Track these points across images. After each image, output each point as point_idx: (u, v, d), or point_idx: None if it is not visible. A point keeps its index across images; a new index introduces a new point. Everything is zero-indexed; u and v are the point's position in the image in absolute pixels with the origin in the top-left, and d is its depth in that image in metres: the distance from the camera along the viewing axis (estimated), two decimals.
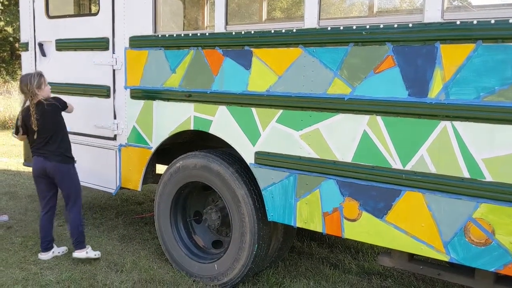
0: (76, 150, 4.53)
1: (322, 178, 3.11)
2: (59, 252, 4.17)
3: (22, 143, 5.40)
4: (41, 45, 4.81)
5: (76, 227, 4.01)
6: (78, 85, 4.50)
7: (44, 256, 4.11)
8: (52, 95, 4.04)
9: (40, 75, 3.88)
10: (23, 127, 3.90)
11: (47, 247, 4.13)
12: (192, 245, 3.99)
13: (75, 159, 4.06)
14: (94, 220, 5.26)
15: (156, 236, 4.26)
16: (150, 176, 4.24)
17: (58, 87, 4.65)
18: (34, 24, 4.87)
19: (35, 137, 3.88)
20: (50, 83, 4.74)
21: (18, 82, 3.96)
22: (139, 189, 4.18)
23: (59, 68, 4.66)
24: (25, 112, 3.87)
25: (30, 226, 4.97)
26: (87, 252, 4.00)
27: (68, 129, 4.57)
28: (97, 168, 4.48)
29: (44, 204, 4.10)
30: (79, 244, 4.01)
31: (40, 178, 4.00)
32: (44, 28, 4.78)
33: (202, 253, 3.95)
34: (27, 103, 3.91)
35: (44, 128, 3.85)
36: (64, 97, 4.35)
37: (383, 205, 2.87)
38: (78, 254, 4.00)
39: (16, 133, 4.00)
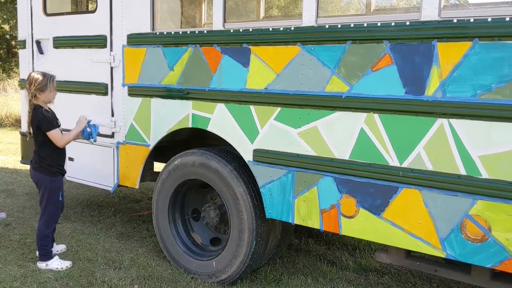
0: (74, 148, 4.54)
1: (320, 175, 3.12)
2: (57, 251, 4.16)
3: (19, 141, 5.39)
4: (38, 43, 4.80)
5: (38, 239, 3.91)
6: (75, 83, 4.50)
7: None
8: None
9: (49, 79, 3.70)
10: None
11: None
12: (190, 243, 4.00)
13: (56, 173, 3.83)
14: (92, 218, 5.26)
15: (154, 234, 4.27)
16: (148, 174, 4.25)
17: (56, 85, 4.65)
18: (32, 21, 4.86)
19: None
20: None
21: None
22: (136, 186, 4.19)
23: (56, 66, 4.65)
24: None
25: (28, 224, 4.97)
26: (47, 265, 3.87)
27: (66, 127, 4.56)
28: (95, 166, 4.48)
29: None
30: (41, 256, 3.91)
31: None
32: (42, 26, 4.78)
33: (200, 251, 3.96)
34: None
35: (33, 133, 3.79)
36: (61, 95, 4.36)
37: (380, 202, 2.89)
38: (39, 264, 3.90)
39: None
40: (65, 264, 3.91)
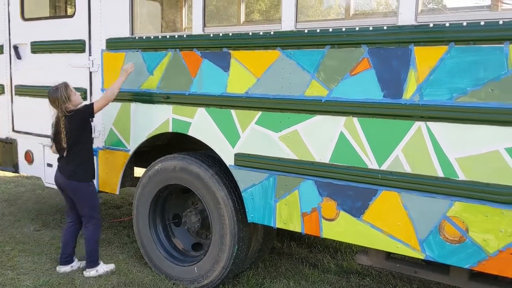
0: (52, 154, 4.48)
1: (301, 178, 3.14)
2: (78, 267, 4.01)
3: None
4: (16, 48, 4.73)
5: (89, 245, 3.86)
6: None
7: (63, 268, 3.96)
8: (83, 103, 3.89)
9: (63, 88, 3.67)
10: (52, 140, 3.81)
11: (65, 260, 3.96)
12: (171, 248, 3.97)
13: (92, 176, 3.86)
14: None
15: (135, 240, 4.23)
16: (128, 179, 4.21)
17: (34, 90, 4.59)
18: (9, 26, 4.79)
19: (56, 147, 3.81)
20: (25, 86, 4.70)
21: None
22: (117, 192, 4.14)
23: (34, 71, 4.59)
24: (56, 125, 3.75)
25: (6, 231, 4.88)
26: (97, 271, 3.85)
27: (45, 132, 4.49)
28: None
29: (69, 214, 3.99)
30: (91, 262, 3.87)
31: (59, 189, 3.92)
32: (19, 31, 4.71)
33: (182, 256, 3.94)
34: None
35: (75, 138, 3.74)
36: (39, 100, 4.31)
37: (360, 205, 2.91)
38: (87, 273, 3.86)
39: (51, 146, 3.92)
40: (110, 268, 3.93)
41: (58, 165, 3.84)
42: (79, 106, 3.75)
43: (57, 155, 3.84)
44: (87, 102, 4.05)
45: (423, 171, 2.68)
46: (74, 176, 3.75)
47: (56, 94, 3.66)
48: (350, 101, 2.87)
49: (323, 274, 4.07)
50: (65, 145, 3.69)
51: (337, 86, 2.92)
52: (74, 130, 3.68)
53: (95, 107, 3.73)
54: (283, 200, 3.23)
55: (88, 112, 3.74)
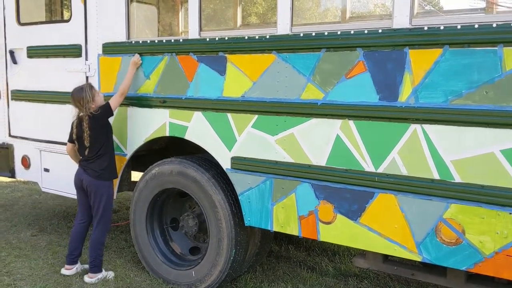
0: (50, 159, 4.48)
1: (298, 182, 3.14)
2: (83, 269, 4.00)
3: None
4: (12, 53, 4.73)
5: (95, 248, 3.84)
6: (50, 93, 4.44)
7: (68, 271, 3.95)
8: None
9: (87, 88, 3.72)
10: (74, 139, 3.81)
11: (73, 260, 3.97)
12: (169, 252, 3.96)
13: (115, 176, 3.91)
14: (69, 229, 5.17)
15: (132, 244, 4.22)
16: (125, 183, 4.21)
17: (30, 94, 4.59)
18: (5, 31, 4.78)
19: (79, 148, 3.81)
20: (21, 91, 4.70)
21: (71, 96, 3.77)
22: (114, 197, 4.13)
23: (30, 76, 4.59)
24: (78, 126, 3.76)
25: (2, 237, 4.86)
26: (98, 278, 3.83)
27: (42, 137, 4.49)
28: (71, 176, 4.40)
29: (80, 215, 4.00)
30: (94, 267, 3.85)
31: (78, 188, 3.92)
32: (15, 35, 4.70)
33: (179, 260, 3.93)
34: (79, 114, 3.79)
35: (98, 137, 3.76)
36: (36, 105, 4.30)
37: (357, 208, 2.92)
38: (89, 279, 3.83)
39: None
40: (110, 275, 3.91)
41: (82, 166, 3.84)
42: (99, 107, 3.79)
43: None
44: None
45: (419, 173, 2.69)
46: (103, 175, 3.79)
47: (81, 94, 3.69)
48: (346, 104, 2.88)
49: (321, 277, 4.07)
50: (88, 145, 3.71)
51: (333, 89, 2.93)
52: (98, 129, 3.72)
53: (112, 105, 3.75)
54: (280, 203, 3.23)
55: (106, 110, 3.75)
